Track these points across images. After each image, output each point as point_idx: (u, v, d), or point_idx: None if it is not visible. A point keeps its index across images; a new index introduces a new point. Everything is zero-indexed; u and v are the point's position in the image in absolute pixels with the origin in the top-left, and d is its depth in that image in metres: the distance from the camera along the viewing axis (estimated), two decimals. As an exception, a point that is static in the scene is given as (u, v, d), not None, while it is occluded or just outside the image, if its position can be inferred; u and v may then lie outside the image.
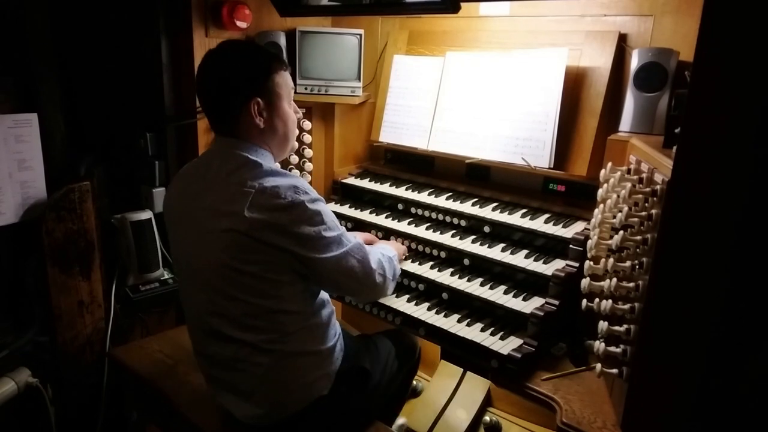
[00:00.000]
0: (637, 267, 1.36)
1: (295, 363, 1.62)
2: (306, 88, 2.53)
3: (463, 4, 2.02)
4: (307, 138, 2.62)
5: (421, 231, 2.21)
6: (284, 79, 1.64)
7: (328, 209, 1.58)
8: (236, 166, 1.53)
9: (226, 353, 1.60)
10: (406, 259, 2.17)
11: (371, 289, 1.71)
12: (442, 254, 2.15)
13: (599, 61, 2.00)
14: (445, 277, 2.03)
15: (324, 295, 1.71)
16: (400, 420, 2.43)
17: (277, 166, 1.62)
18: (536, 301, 1.86)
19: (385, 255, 1.80)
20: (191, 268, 1.62)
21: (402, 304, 2.04)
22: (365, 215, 2.39)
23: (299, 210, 1.48)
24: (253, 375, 1.60)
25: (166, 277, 2.47)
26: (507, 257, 1.97)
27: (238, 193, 1.47)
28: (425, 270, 2.10)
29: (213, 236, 1.50)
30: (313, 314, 1.64)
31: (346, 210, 2.46)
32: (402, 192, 2.38)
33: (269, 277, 1.52)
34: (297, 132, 1.77)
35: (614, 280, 1.44)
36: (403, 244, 2.23)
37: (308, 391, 1.65)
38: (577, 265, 1.82)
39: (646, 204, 1.36)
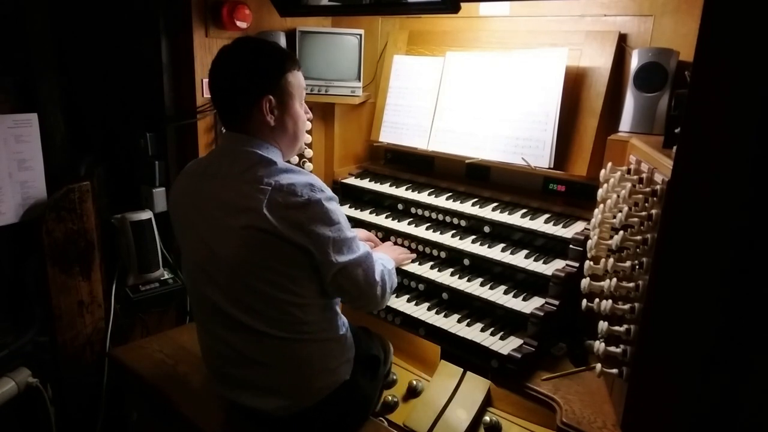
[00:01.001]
0: (637, 267, 1.36)
1: (320, 350, 1.64)
2: (306, 88, 2.52)
3: (463, 4, 2.02)
4: (307, 138, 2.61)
5: (421, 231, 2.21)
6: (297, 78, 1.65)
7: (342, 211, 1.59)
8: (250, 163, 1.54)
9: (250, 347, 1.60)
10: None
11: (370, 299, 1.69)
12: (442, 254, 2.15)
13: (599, 61, 2.00)
14: (445, 277, 2.03)
15: None
16: None
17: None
18: (536, 301, 1.86)
19: (386, 267, 1.79)
20: (208, 265, 1.61)
21: (402, 304, 2.04)
22: (365, 215, 2.39)
23: (316, 208, 1.49)
24: (279, 366, 1.62)
25: (166, 277, 2.47)
26: (507, 257, 1.97)
27: (254, 190, 1.48)
28: (425, 270, 2.10)
29: (231, 233, 1.51)
30: (326, 306, 1.67)
31: (346, 210, 2.45)
32: (402, 192, 2.38)
33: (288, 272, 1.53)
34: (306, 132, 1.77)
35: (614, 280, 1.44)
36: (402, 244, 2.23)
37: (333, 377, 1.68)
38: (577, 265, 1.82)
39: (646, 204, 1.36)
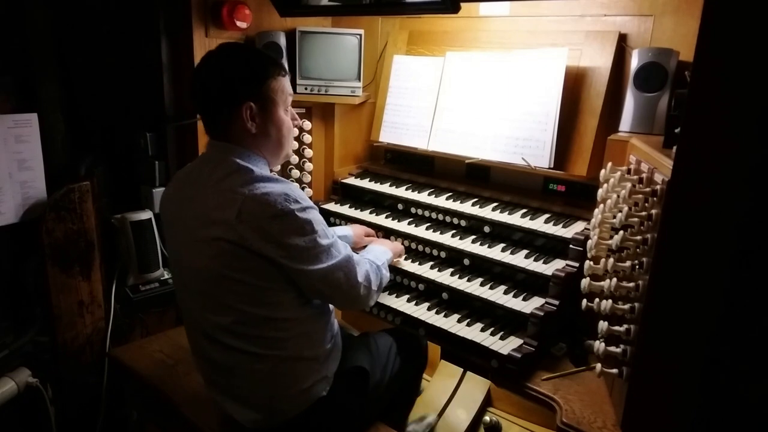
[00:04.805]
0: (637, 267, 1.36)
1: (293, 369, 1.61)
2: (306, 88, 2.53)
3: (463, 4, 2.01)
4: (307, 138, 2.62)
5: (421, 231, 2.21)
6: (281, 84, 1.61)
7: (320, 218, 1.56)
8: (227, 172, 1.51)
9: (223, 359, 1.59)
10: (405, 259, 2.17)
11: (353, 300, 1.69)
12: (442, 254, 2.15)
13: (599, 61, 2.00)
14: (445, 277, 2.03)
15: None
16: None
17: (276, 169, 1.60)
18: (536, 301, 1.86)
19: (373, 264, 1.78)
20: (185, 274, 1.61)
21: (402, 304, 2.04)
22: (365, 215, 2.39)
23: (289, 219, 1.45)
24: (250, 381, 1.60)
25: (166, 277, 2.47)
26: (507, 257, 1.96)
27: (227, 200, 1.46)
28: (425, 270, 2.09)
29: (204, 244, 1.49)
30: (309, 319, 1.63)
31: (346, 210, 2.46)
32: (402, 192, 2.38)
33: (261, 285, 1.51)
34: (293, 139, 1.73)
35: (614, 280, 1.44)
36: (402, 244, 2.22)
37: (306, 395, 1.64)
38: (577, 265, 1.82)
39: (646, 204, 1.36)
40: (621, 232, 1.44)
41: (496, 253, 2.00)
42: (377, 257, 1.87)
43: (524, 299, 1.87)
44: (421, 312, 1.98)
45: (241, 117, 1.54)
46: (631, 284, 1.38)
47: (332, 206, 2.50)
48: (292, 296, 1.57)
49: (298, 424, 1.65)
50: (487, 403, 2.47)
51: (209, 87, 1.56)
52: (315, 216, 1.53)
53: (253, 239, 1.44)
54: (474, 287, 1.96)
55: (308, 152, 2.62)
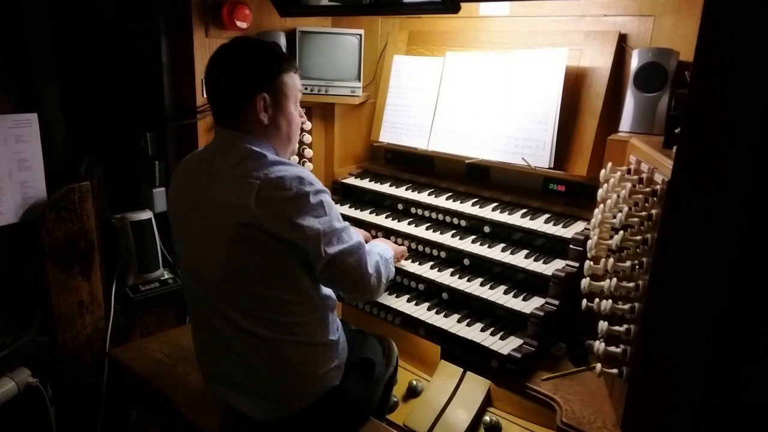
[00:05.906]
0: (637, 267, 1.36)
1: (308, 354, 1.63)
2: (306, 88, 2.53)
3: (463, 4, 2.02)
4: (307, 138, 2.62)
5: (421, 231, 2.21)
6: (293, 80, 1.65)
7: (332, 202, 1.58)
8: (240, 158, 1.53)
9: (241, 348, 1.60)
10: (406, 259, 2.17)
11: (363, 290, 1.70)
12: (442, 254, 2.15)
13: (599, 61, 2.00)
14: (445, 277, 2.03)
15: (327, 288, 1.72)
16: None
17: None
18: (536, 301, 1.86)
19: (382, 257, 1.80)
20: (200, 263, 1.61)
21: (402, 304, 2.04)
22: (365, 215, 2.40)
23: (303, 201, 1.48)
24: (266, 370, 1.61)
25: (166, 277, 2.47)
26: (507, 257, 1.97)
27: (243, 185, 1.48)
28: (425, 270, 2.10)
29: (221, 230, 1.50)
30: (321, 306, 1.66)
31: (346, 210, 2.46)
32: (402, 192, 2.38)
33: (279, 268, 1.52)
34: (299, 135, 1.76)
35: (614, 280, 1.44)
36: (402, 244, 2.23)
37: (321, 383, 1.66)
38: (577, 265, 1.82)
39: (646, 204, 1.36)
40: (621, 232, 1.44)
41: (496, 253, 2.00)
42: (384, 251, 1.89)
43: (524, 299, 1.87)
44: (421, 312, 1.98)
45: (255, 107, 1.57)
46: (631, 284, 1.38)
47: (332, 206, 2.49)
48: (308, 280, 1.59)
49: (312, 413, 1.66)
50: (487, 403, 2.47)
51: (225, 76, 1.59)
52: (328, 200, 1.55)
53: (271, 222, 1.45)
54: (474, 287, 1.96)
55: (308, 152, 2.62)
